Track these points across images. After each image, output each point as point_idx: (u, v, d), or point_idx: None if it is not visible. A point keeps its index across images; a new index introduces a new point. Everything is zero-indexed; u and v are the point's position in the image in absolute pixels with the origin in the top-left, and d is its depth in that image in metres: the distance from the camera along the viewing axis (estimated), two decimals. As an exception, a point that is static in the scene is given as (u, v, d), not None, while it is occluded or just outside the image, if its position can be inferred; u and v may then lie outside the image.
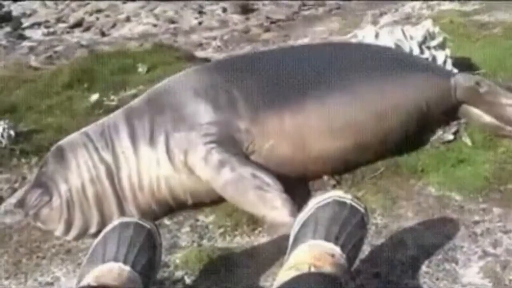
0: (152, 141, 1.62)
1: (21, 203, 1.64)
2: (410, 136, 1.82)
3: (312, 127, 1.67)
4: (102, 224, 1.55)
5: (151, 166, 1.61)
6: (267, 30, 3.81)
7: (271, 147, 1.64)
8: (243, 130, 1.63)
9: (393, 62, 1.92)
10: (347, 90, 1.74)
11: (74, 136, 1.69)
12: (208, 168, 1.59)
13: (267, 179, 1.57)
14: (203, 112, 1.65)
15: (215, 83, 1.71)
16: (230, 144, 1.62)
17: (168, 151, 1.61)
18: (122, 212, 1.60)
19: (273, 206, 1.52)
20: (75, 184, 1.59)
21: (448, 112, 1.93)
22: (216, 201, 1.65)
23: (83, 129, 1.71)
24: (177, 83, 1.76)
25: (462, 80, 1.92)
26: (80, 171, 1.60)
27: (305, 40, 3.38)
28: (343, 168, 1.74)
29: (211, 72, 1.80)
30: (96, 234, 1.53)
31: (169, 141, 1.61)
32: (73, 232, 1.59)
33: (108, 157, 1.61)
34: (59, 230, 1.59)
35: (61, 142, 1.69)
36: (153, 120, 1.64)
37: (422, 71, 1.92)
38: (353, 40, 2.47)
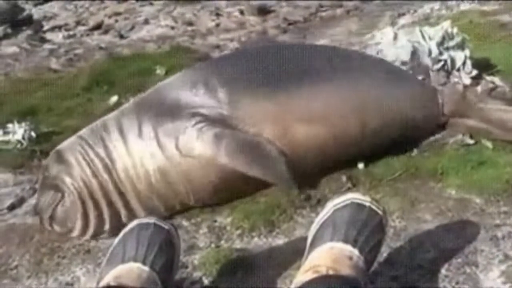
0: (140, 134, 1.67)
1: (35, 210, 1.67)
2: (400, 143, 1.83)
3: (293, 115, 1.69)
4: (114, 218, 1.60)
5: (145, 158, 1.65)
6: (285, 31, 3.80)
7: (256, 133, 1.67)
8: (226, 115, 1.67)
9: (381, 69, 1.95)
10: (329, 82, 1.78)
11: (69, 139, 1.77)
12: (206, 144, 1.62)
13: (265, 142, 1.62)
14: (184, 101, 1.71)
15: (195, 76, 1.78)
16: (217, 124, 1.66)
17: (159, 142, 1.65)
18: (127, 205, 1.63)
19: (276, 167, 1.59)
20: (80, 179, 1.64)
21: (437, 125, 1.93)
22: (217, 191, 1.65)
23: (77, 133, 1.77)
24: (162, 83, 1.84)
25: (448, 92, 1.92)
26: (81, 167, 1.65)
27: (322, 42, 3.36)
28: (321, 162, 1.72)
29: (193, 69, 1.91)
30: (111, 232, 1.57)
31: (157, 134, 1.65)
32: (91, 229, 1.61)
33: (101, 151, 1.67)
34: (77, 229, 1.61)
35: (58, 147, 1.76)
36: (139, 117, 1.70)
37: (410, 85, 1.96)
38: (371, 42, 2.45)
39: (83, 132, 1.75)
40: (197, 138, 1.63)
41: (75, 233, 1.62)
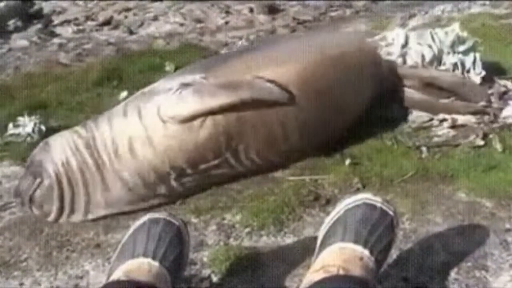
0: (125, 113, 1.71)
1: (16, 193, 1.71)
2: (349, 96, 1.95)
3: (259, 65, 1.79)
4: (88, 201, 1.64)
5: (125, 131, 1.67)
6: (293, 30, 3.80)
7: None
8: (198, 80, 1.74)
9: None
10: (289, 42, 2.18)
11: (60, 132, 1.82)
12: (189, 101, 1.66)
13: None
14: (162, 84, 1.80)
15: (182, 71, 1.96)
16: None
17: (140, 115, 1.68)
18: (105, 184, 1.65)
19: (261, 84, 1.71)
20: (60, 161, 1.67)
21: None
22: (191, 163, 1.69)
23: None
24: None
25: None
26: (62, 149, 1.69)
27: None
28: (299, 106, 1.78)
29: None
30: (85, 212, 1.65)
31: (140, 111, 1.69)
32: (65, 212, 1.65)
33: (83, 132, 1.72)
34: (53, 212, 1.65)
35: (48, 138, 1.80)
36: (127, 103, 1.78)
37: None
38: (382, 43, 2.44)
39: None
40: (178, 101, 1.66)
41: (52, 216, 1.65)
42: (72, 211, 1.66)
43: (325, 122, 1.86)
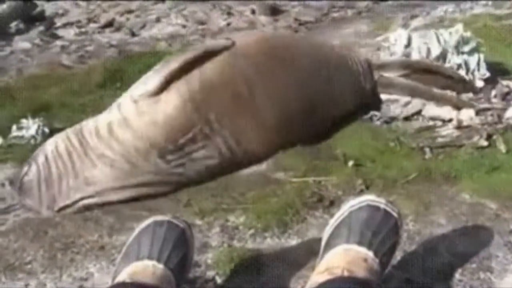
0: (108, 110, 1.84)
1: (10, 184, 1.81)
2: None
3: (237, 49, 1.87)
4: (75, 179, 1.71)
5: (106, 119, 1.79)
6: (295, 31, 3.80)
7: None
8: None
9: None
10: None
11: None
12: (153, 76, 1.79)
13: None
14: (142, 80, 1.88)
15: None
16: None
17: (119, 108, 1.80)
18: (91, 161, 1.72)
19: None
20: (49, 149, 1.76)
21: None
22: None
23: None
24: None
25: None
26: (54, 141, 1.81)
27: (333, 42, 3.36)
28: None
29: None
30: (73, 194, 1.71)
31: (119, 104, 1.81)
32: (55, 194, 1.70)
33: (74, 128, 1.83)
34: (44, 197, 1.70)
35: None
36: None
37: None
38: (385, 44, 2.45)
39: None
40: (144, 81, 1.81)
41: (44, 205, 1.70)
42: (60, 192, 1.71)
43: (295, 99, 1.90)
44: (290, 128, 1.89)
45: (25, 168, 1.75)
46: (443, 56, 2.23)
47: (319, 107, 1.97)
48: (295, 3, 4.39)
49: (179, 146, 1.75)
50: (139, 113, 1.74)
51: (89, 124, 1.80)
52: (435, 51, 2.21)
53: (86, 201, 1.71)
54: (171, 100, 1.75)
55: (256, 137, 1.84)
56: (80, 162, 1.73)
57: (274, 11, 4.20)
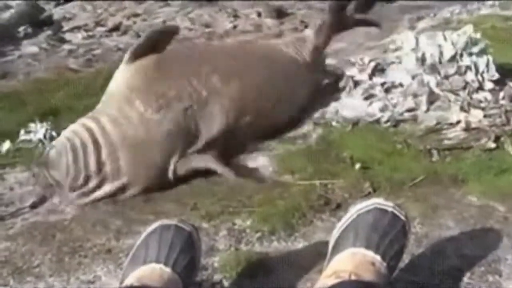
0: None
1: (34, 167, 1.97)
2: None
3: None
4: (98, 167, 1.81)
5: (101, 111, 1.96)
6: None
7: None
8: None
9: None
10: None
11: None
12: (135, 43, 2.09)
13: None
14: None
15: None
16: None
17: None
18: (97, 156, 1.82)
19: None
20: (69, 133, 1.89)
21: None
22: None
23: None
24: None
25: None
26: (71, 129, 1.91)
27: (339, 45, 3.35)
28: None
29: None
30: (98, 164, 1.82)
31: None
32: (81, 167, 1.80)
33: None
34: (70, 169, 1.79)
35: None
36: None
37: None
38: (392, 46, 2.44)
39: None
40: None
41: (70, 174, 1.79)
42: (86, 165, 1.80)
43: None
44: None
45: (49, 147, 1.88)
46: (452, 58, 2.22)
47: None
48: (301, 5, 4.38)
49: (169, 99, 1.94)
50: (126, 70, 2.05)
51: (95, 111, 1.98)
52: (448, 53, 2.19)
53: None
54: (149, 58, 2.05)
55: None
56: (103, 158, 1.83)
57: (280, 14, 4.20)
